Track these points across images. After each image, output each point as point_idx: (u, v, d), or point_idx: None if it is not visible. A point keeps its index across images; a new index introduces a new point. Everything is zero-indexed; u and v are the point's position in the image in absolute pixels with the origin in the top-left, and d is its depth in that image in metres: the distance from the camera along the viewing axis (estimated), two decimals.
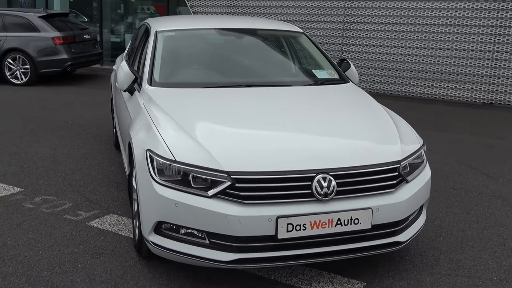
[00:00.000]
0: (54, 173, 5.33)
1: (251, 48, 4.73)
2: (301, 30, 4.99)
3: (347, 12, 10.29)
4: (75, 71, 12.43)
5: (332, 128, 3.49)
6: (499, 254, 3.79)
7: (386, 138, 3.43)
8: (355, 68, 10.12)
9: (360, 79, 10.43)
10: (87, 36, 11.80)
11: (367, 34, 10.19)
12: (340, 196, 3.02)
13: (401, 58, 9.97)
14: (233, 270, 3.41)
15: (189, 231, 3.04)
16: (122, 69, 4.12)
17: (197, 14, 11.90)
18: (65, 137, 6.72)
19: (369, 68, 10.33)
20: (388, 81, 10.19)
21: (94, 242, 3.83)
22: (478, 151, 6.48)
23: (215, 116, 3.55)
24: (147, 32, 4.86)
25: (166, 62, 4.31)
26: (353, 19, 10.26)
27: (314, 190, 2.96)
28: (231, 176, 2.91)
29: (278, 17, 10.99)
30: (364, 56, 10.32)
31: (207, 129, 3.39)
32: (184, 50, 4.54)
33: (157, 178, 3.05)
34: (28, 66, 10.82)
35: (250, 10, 11.32)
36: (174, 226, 3.07)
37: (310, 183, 2.96)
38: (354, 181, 3.06)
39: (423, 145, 3.54)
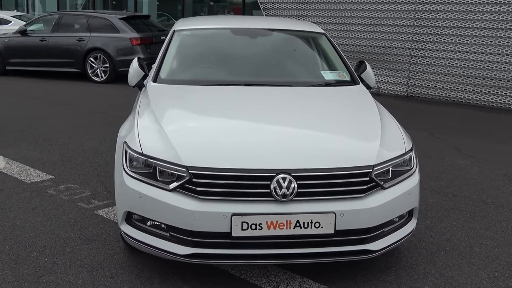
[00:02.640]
0: (90, 164, 5.64)
1: (263, 47, 4.69)
2: (323, 31, 4.87)
3: (417, 15, 9.88)
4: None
5: (307, 129, 3.39)
6: (499, 274, 3.49)
7: (363, 141, 3.27)
8: (426, 73, 9.79)
9: (429, 85, 9.98)
10: (164, 38, 12.28)
11: (438, 39, 9.72)
12: (301, 198, 2.94)
13: (473, 65, 9.40)
14: (206, 266, 3.43)
15: (156, 223, 3.11)
16: (132, 65, 4.28)
17: (269, 16, 12.00)
18: (116, 132, 7.05)
19: (438, 75, 9.85)
20: (458, 88, 9.65)
21: (92, 229, 4.02)
22: None
23: (193, 112, 3.59)
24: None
25: (175, 60, 4.42)
26: (424, 23, 9.83)
27: (272, 190, 2.91)
28: (189, 171, 2.94)
29: (347, 21, 10.80)
30: (434, 62, 9.84)
31: (180, 124, 3.43)
32: (195, 49, 4.61)
33: (127, 169, 3.15)
34: (107, 65, 11.51)
35: (320, 13, 11.22)
36: (142, 217, 3.15)
37: (269, 182, 2.92)
38: (317, 184, 2.96)
39: (409, 150, 3.33)
